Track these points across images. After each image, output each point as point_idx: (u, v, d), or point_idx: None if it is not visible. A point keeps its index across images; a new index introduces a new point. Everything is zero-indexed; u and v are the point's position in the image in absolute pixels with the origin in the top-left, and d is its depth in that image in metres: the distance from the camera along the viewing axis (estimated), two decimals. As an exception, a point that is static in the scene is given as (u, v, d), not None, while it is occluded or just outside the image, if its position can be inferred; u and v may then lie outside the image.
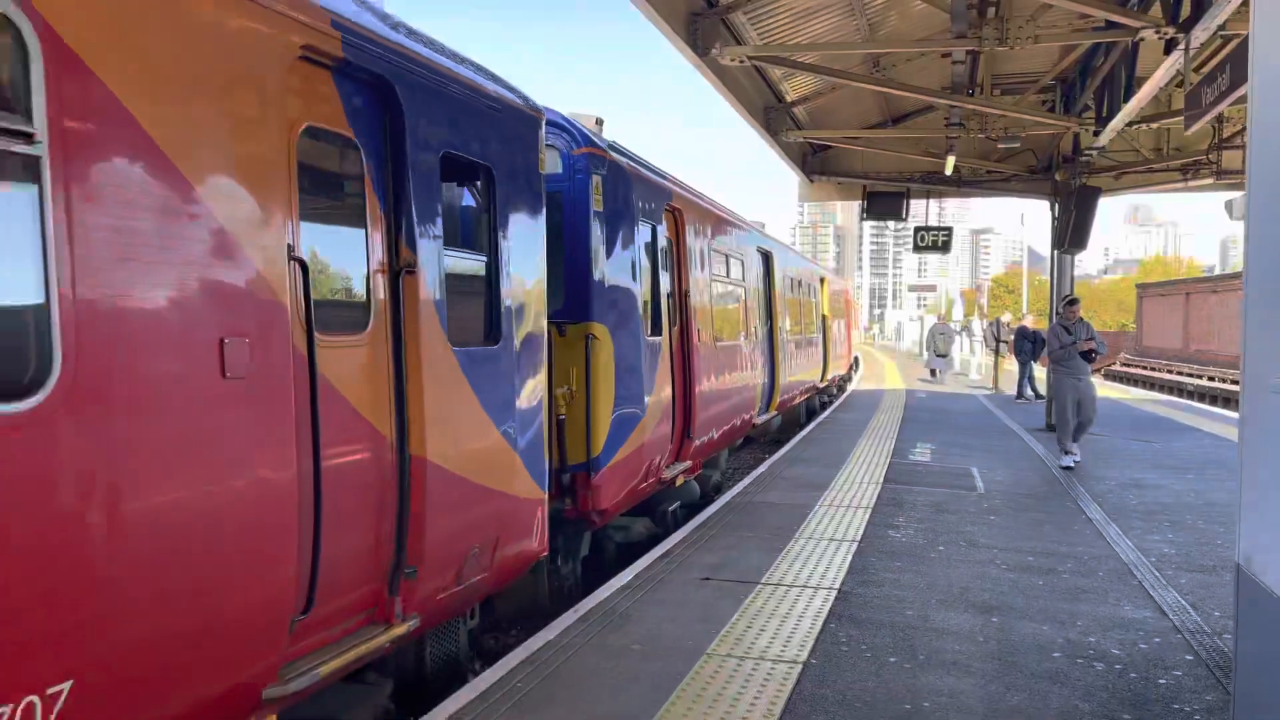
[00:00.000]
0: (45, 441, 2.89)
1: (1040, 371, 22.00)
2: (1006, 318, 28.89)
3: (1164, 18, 9.82)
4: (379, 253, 4.58)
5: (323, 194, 4.39)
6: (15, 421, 2.80)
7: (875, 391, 26.87)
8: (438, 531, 4.85)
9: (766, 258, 15.35)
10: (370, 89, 4.52)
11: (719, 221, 11.95)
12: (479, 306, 5.57)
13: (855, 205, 20.40)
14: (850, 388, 29.34)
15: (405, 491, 4.65)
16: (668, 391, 9.43)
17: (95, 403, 3.03)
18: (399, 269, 4.65)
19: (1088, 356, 12.84)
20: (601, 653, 5.60)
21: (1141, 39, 10.09)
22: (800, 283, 19.09)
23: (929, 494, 10.83)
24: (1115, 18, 10.01)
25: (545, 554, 6.45)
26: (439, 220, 4.94)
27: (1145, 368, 49.49)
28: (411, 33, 4.90)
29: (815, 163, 19.96)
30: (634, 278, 8.50)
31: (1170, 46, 9.72)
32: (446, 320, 4.97)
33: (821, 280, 23.46)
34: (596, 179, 7.84)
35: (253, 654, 3.72)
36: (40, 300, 2.91)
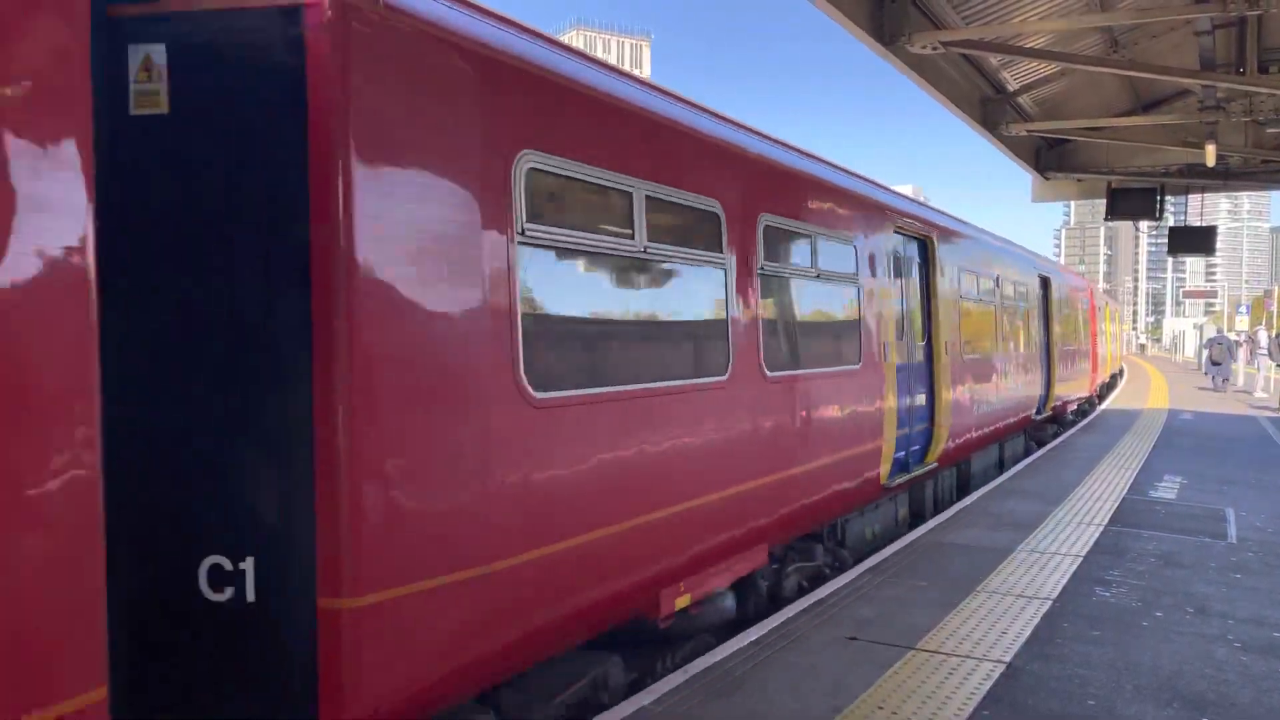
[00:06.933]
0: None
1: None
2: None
3: None
4: None
5: None
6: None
7: (1130, 411, 24.01)
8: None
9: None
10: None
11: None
12: None
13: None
14: (1102, 406, 26.45)
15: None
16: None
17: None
18: None
19: None
20: (694, 727, 4.90)
21: None
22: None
23: (1161, 541, 9.20)
24: None
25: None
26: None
27: None
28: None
29: (1050, 158, 17.92)
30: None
31: None
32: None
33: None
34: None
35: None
36: None
